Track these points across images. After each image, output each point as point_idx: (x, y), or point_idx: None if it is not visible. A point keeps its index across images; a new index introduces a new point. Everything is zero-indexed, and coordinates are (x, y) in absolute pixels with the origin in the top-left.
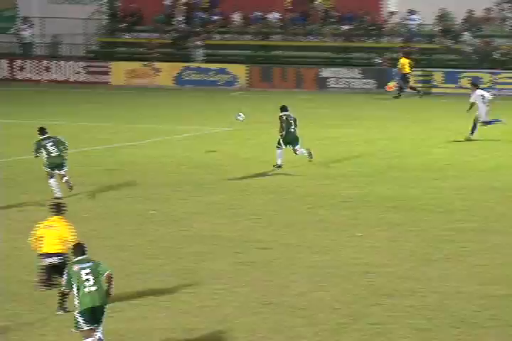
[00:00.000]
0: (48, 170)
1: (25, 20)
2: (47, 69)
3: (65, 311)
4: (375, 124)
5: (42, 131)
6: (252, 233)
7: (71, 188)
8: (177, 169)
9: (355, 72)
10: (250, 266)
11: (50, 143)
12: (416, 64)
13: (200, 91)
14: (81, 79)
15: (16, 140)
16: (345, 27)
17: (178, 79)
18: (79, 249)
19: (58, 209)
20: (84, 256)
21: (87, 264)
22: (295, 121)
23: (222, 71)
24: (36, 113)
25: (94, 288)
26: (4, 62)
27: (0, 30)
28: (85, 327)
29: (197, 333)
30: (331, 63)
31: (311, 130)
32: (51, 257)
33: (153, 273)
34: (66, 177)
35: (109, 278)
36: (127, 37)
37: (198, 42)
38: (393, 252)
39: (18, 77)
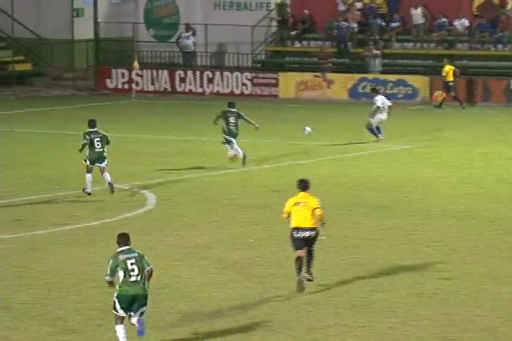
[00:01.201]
0: (87, 163)
1: (188, 27)
2: (210, 80)
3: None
4: None
5: (92, 123)
6: (433, 261)
7: (112, 191)
8: (349, 190)
9: None
10: (430, 298)
11: (97, 138)
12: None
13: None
14: (247, 92)
15: (179, 157)
16: None
17: (353, 92)
18: (123, 238)
19: (305, 185)
20: (129, 247)
21: (132, 254)
22: None
23: (401, 83)
24: (196, 128)
25: (138, 278)
26: (165, 73)
27: (160, 39)
28: (121, 313)
29: None
30: None
31: (499, 148)
32: (304, 231)
33: (324, 304)
34: (107, 174)
35: (150, 273)
36: (298, 45)
37: (375, 51)
38: None
39: (180, 89)
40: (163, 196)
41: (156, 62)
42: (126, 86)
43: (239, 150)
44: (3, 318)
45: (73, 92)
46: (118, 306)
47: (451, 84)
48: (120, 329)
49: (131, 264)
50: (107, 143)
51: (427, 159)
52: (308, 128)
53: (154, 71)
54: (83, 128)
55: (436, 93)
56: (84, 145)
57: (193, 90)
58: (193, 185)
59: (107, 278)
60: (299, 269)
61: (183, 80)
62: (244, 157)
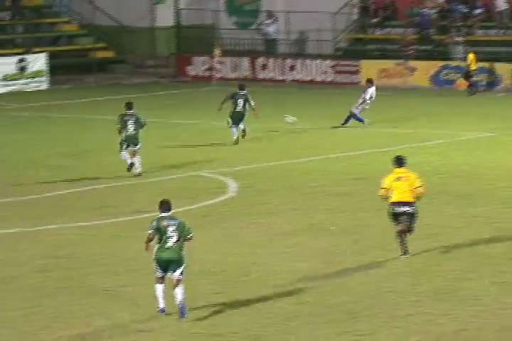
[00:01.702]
0: (122, 146)
1: (269, 14)
2: (292, 68)
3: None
4: None
5: (129, 105)
6: None
7: (139, 174)
8: (431, 178)
9: None
10: None
11: (132, 120)
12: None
13: (457, 91)
14: (328, 80)
15: (261, 145)
16: None
17: (435, 79)
18: (166, 205)
19: (401, 161)
20: (170, 213)
21: (174, 221)
22: None
23: (484, 70)
24: (277, 115)
25: (174, 245)
26: (245, 61)
27: (241, 26)
28: (159, 274)
29: None
30: None
31: None
32: (403, 206)
33: (406, 292)
34: (137, 159)
35: (189, 240)
36: (379, 33)
37: (458, 39)
38: None
39: (260, 76)
40: (245, 183)
41: (237, 49)
42: (206, 73)
43: (236, 133)
44: (88, 305)
45: (154, 80)
46: (156, 268)
47: (472, 72)
48: (159, 287)
49: (171, 231)
50: (141, 126)
51: (510, 146)
52: (289, 119)
53: (235, 58)
54: (165, 115)
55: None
56: (121, 128)
57: (274, 78)
58: (274, 172)
59: (149, 231)
60: (402, 242)
61: (264, 68)
62: (237, 139)
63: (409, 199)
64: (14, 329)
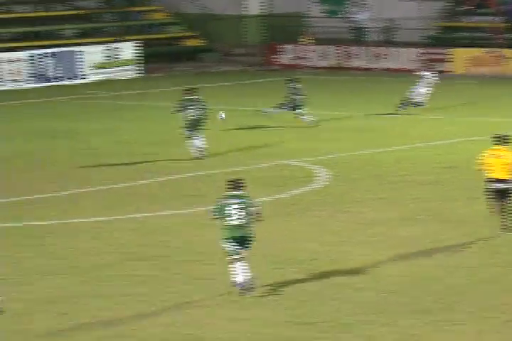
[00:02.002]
0: (186, 131)
1: (358, 2)
2: (380, 56)
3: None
4: None
5: (190, 90)
6: None
7: (200, 157)
8: None
9: None
10: None
11: (193, 106)
12: None
13: None
14: (417, 68)
15: (348, 133)
16: None
17: None
18: (234, 184)
19: (506, 139)
20: (238, 192)
21: (240, 200)
22: None
23: None
24: (365, 104)
25: (242, 222)
26: (332, 49)
27: (330, 14)
28: (232, 255)
29: None
30: None
31: None
32: (498, 183)
33: (499, 282)
34: (199, 142)
35: (258, 214)
36: (469, 21)
37: None
38: None
39: (349, 64)
40: (333, 172)
41: (325, 37)
42: (294, 62)
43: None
44: (179, 293)
45: (242, 68)
46: (228, 249)
47: None
48: (237, 266)
49: (238, 209)
50: (204, 111)
51: None
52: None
53: (324, 47)
54: (251, 103)
55: None
56: (178, 112)
57: (362, 66)
58: (362, 161)
59: (211, 215)
60: (502, 217)
61: (352, 56)
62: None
63: (506, 176)
64: (101, 318)
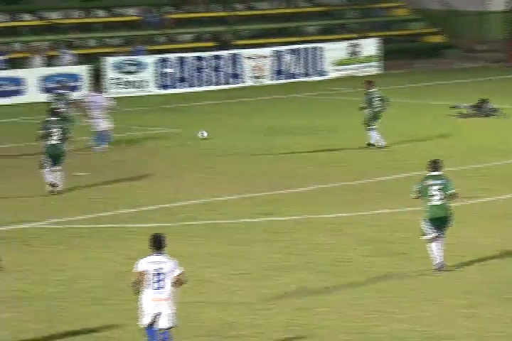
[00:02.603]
0: (370, 123)
1: None
2: None
3: None
4: None
5: (370, 83)
6: None
7: (372, 145)
8: None
9: None
10: None
11: (377, 98)
12: None
13: None
14: None
15: None
16: None
17: None
18: (434, 164)
19: None
20: (438, 173)
21: (439, 181)
22: None
23: None
24: None
25: (440, 202)
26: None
27: None
28: (430, 235)
29: None
30: None
31: None
32: None
33: None
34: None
35: (454, 197)
36: None
37: None
38: None
39: None
40: None
41: None
42: None
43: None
44: (416, 290)
45: (485, 65)
46: (427, 229)
47: None
48: (433, 246)
49: (436, 190)
50: (385, 105)
51: None
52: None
53: None
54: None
55: None
56: (363, 108)
57: None
58: None
59: (411, 195)
60: None
61: None
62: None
63: None
64: (341, 314)
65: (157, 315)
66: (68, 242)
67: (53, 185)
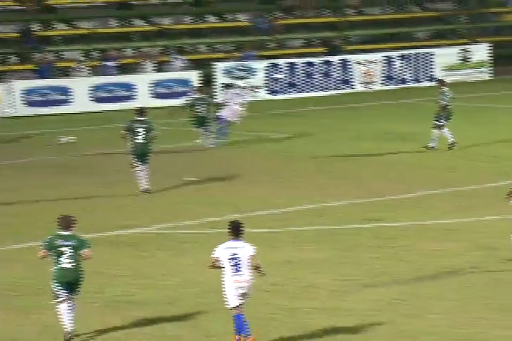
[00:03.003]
0: (440, 120)
1: None
2: None
3: None
4: None
5: (442, 81)
6: None
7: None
8: None
9: None
10: None
11: (449, 94)
12: None
13: None
14: None
15: None
16: None
17: None
18: None
19: None
20: None
21: None
22: None
23: None
24: None
25: None
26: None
27: None
28: None
29: None
30: None
31: None
32: None
33: None
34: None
35: None
36: None
37: None
38: None
39: None
40: None
41: None
42: None
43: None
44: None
45: None
46: None
47: None
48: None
49: None
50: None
51: None
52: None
53: None
54: None
55: None
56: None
57: None
58: None
59: None
60: None
61: None
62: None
63: None
64: (450, 320)
65: (241, 297)
66: (177, 247)
67: (146, 191)
